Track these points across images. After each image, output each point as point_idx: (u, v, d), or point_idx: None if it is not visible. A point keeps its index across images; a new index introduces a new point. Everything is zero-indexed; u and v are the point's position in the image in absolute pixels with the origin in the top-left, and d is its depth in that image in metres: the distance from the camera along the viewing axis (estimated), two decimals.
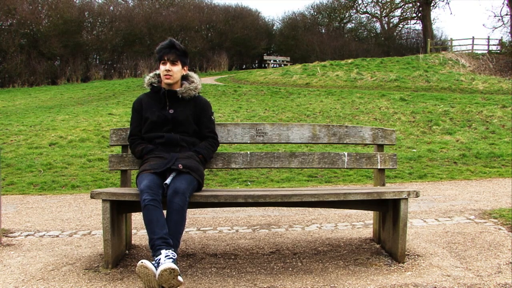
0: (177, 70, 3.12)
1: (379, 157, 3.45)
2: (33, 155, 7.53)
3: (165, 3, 32.10)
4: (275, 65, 28.65)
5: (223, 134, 3.41)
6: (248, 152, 3.41)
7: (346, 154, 3.45)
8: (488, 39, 26.23)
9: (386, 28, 37.26)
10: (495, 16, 33.73)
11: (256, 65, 33.65)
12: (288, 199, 2.92)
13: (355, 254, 3.21)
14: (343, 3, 36.63)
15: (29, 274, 2.91)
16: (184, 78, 3.23)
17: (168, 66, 3.09)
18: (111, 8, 29.67)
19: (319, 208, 4.38)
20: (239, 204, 3.04)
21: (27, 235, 3.89)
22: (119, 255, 3.12)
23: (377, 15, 37.32)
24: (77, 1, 28.26)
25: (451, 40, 29.01)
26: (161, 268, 2.40)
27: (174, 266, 2.41)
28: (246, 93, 14.43)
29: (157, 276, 2.40)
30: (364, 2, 36.66)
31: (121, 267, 2.99)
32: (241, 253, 3.29)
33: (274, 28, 36.81)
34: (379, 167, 3.46)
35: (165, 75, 3.10)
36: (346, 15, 37.55)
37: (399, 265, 2.97)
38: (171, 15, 29.62)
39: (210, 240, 3.66)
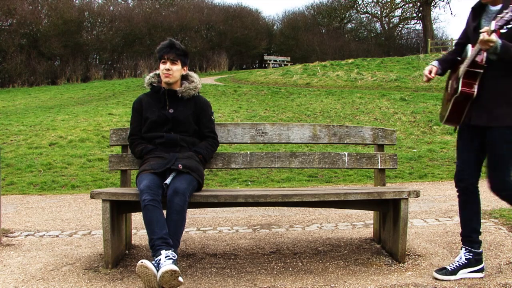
0: (177, 69, 3.13)
1: (379, 157, 3.44)
2: (33, 155, 7.52)
3: (165, 3, 32.10)
4: (275, 65, 28.66)
5: (223, 134, 3.40)
6: (248, 152, 3.41)
7: (346, 154, 3.44)
8: None
9: (387, 28, 37.27)
10: None
11: (257, 65, 33.63)
12: (288, 199, 2.92)
13: (355, 254, 3.21)
14: (343, 3, 36.62)
15: (29, 274, 2.90)
16: (184, 78, 3.23)
17: (168, 65, 3.09)
18: (111, 8, 29.67)
19: (319, 208, 4.38)
20: (239, 204, 3.04)
21: (27, 235, 3.89)
22: (119, 255, 3.12)
23: (377, 15, 37.34)
24: (77, 1, 28.27)
25: (452, 40, 28.98)
26: (162, 270, 2.40)
27: (175, 267, 2.41)
28: (246, 93, 14.43)
29: (158, 277, 2.41)
30: (364, 2, 36.68)
31: (121, 267, 2.98)
32: (241, 253, 3.29)
33: (275, 28, 36.81)
34: (379, 167, 3.45)
35: (165, 73, 3.10)
36: (346, 15, 37.55)
37: (400, 265, 2.97)
38: (171, 15, 29.61)
39: (210, 240, 3.66)
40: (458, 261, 2.76)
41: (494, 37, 2.39)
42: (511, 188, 2.64)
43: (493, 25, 2.37)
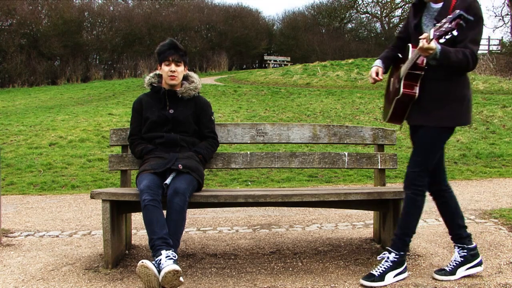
0: (181, 70, 3.14)
1: (379, 157, 3.44)
2: (33, 155, 7.52)
3: (165, 3, 32.08)
4: (275, 65, 28.62)
5: (223, 134, 3.40)
6: (248, 152, 3.41)
7: (346, 154, 3.44)
8: (489, 39, 26.25)
9: (387, 28, 37.24)
10: (495, 16, 33.59)
11: (257, 65, 33.60)
12: (288, 199, 2.92)
13: (355, 254, 3.21)
14: (343, 3, 36.60)
15: (29, 274, 2.90)
16: (184, 78, 3.23)
17: (173, 67, 3.09)
18: (111, 8, 29.66)
19: (319, 208, 4.38)
20: (239, 204, 3.04)
21: (27, 235, 3.89)
22: (119, 255, 3.12)
23: (377, 15, 37.31)
24: (77, 1, 28.27)
25: None
26: (165, 270, 2.40)
27: (177, 268, 2.42)
28: (246, 93, 14.42)
29: (160, 278, 2.41)
30: (364, 2, 36.65)
31: (121, 267, 2.99)
32: (241, 253, 3.29)
33: (275, 28, 36.79)
34: (379, 167, 3.45)
35: (170, 76, 3.09)
36: (346, 15, 37.53)
37: None
38: (171, 15, 29.60)
39: (210, 240, 3.65)
40: (454, 261, 2.76)
41: (433, 44, 2.36)
42: (412, 182, 2.66)
43: (431, 33, 2.35)
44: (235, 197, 2.89)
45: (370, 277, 2.65)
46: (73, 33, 25.80)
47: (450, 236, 2.85)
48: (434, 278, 2.72)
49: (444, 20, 2.34)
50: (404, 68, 2.63)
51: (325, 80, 17.38)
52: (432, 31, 2.35)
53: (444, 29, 2.31)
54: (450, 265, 2.76)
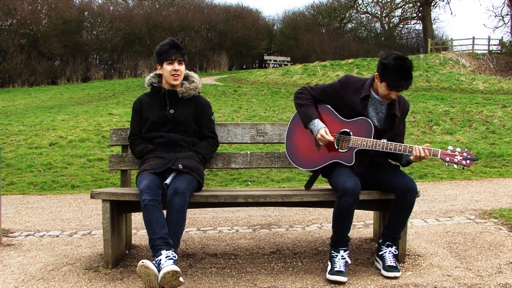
0: (183, 69, 3.13)
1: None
2: (33, 155, 7.53)
3: (165, 3, 32.09)
4: (275, 65, 28.62)
5: (223, 134, 3.40)
6: (248, 152, 3.41)
7: None
8: (489, 39, 26.23)
9: (387, 28, 37.25)
10: (495, 16, 33.46)
11: (257, 65, 33.61)
12: (288, 199, 2.92)
13: (355, 254, 3.21)
14: (343, 3, 36.61)
15: (29, 274, 2.90)
16: (184, 78, 3.22)
17: (176, 65, 3.08)
18: (111, 8, 29.67)
19: (319, 208, 4.37)
20: (239, 204, 3.04)
21: (27, 235, 3.89)
22: (119, 255, 3.12)
23: (377, 15, 37.32)
24: (77, 1, 28.28)
25: (452, 40, 29.03)
26: (164, 270, 2.41)
27: (176, 268, 2.42)
28: (246, 93, 14.42)
29: (159, 278, 2.41)
30: (364, 2, 36.67)
31: (121, 267, 2.99)
32: (241, 253, 3.29)
33: (275, 28, 36.81)
34: None
35: (174, 75, 3.08)
36: (346, 15, 37.54)
37: (400, 265, 2.96)
38: (171, 15, 29.61)
39: (210, 240, 3.66)
40: (393, 258, 2.87)
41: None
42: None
43: (439, 154, 2.72)
44: (235, 197, 2.89)
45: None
46: (73, 33, 25.83)
47: (384, 236, 2.95)
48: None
49: (457, 152, 2.73)
50: (363, 144, 2.84)
51: (325, 80, 17.38)
52: (440, 152, 2.72)
53: (457, 160, 2.72)
54: (392, 261, 2.85)
